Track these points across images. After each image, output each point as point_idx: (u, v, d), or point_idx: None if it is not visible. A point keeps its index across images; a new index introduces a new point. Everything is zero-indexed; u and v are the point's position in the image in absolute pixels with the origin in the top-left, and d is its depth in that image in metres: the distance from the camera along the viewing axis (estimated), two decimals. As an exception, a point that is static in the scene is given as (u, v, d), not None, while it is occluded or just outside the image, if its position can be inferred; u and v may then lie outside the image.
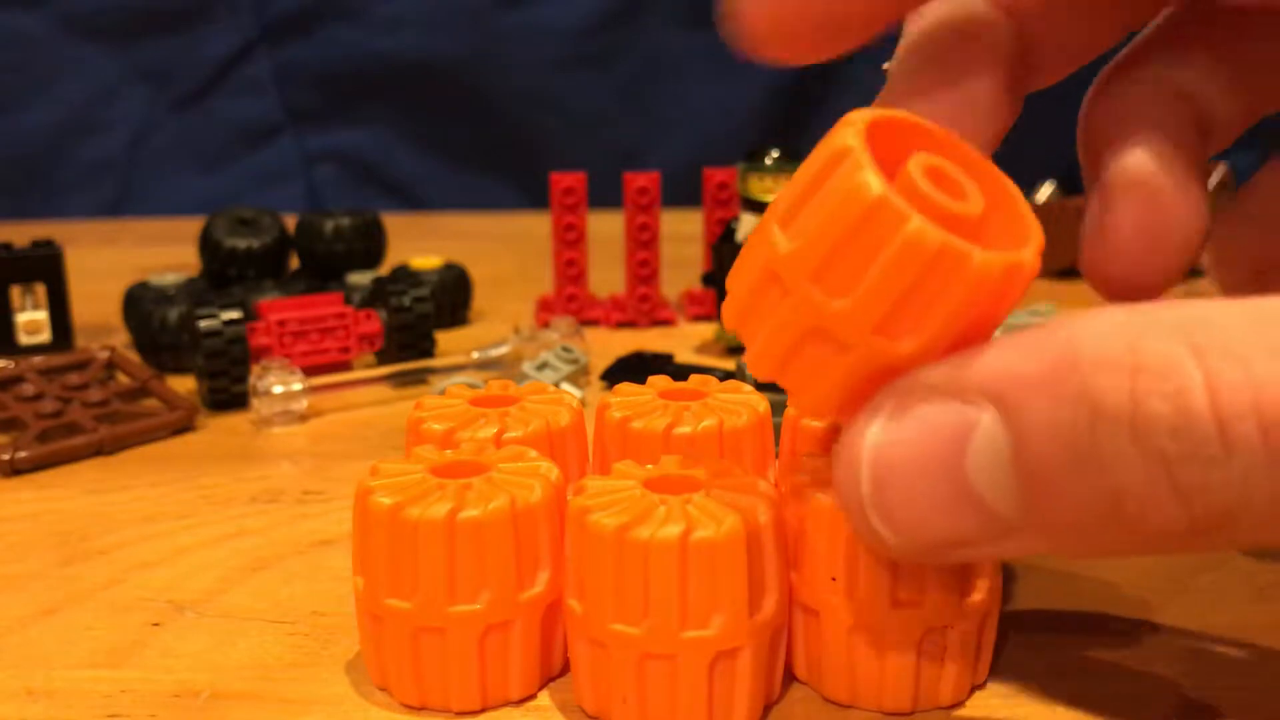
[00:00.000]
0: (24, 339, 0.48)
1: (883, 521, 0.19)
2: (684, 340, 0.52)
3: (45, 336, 0.48)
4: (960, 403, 0.18)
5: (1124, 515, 0.17)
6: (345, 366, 0.45)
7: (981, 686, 0.25)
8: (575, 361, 0.45)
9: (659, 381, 0.30)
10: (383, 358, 0.47)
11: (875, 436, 0.19)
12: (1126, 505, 0.17)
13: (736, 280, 0.21)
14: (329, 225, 0.56)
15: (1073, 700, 0.24)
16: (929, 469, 0.18)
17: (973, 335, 0.19)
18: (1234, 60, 0.23)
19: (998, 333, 0.19)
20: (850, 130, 0.19)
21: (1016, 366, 0.17)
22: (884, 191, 0.19)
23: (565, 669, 0.25)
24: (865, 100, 0.22)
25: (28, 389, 0.42)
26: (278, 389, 0.42)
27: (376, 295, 0.48)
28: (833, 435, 0.27)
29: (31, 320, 0.48)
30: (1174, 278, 0.23)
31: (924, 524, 0.19)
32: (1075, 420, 0.17)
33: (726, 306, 0.21)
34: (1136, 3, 0.23)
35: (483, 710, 0.24)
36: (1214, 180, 0.50)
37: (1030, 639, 0.26)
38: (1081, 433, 0.17)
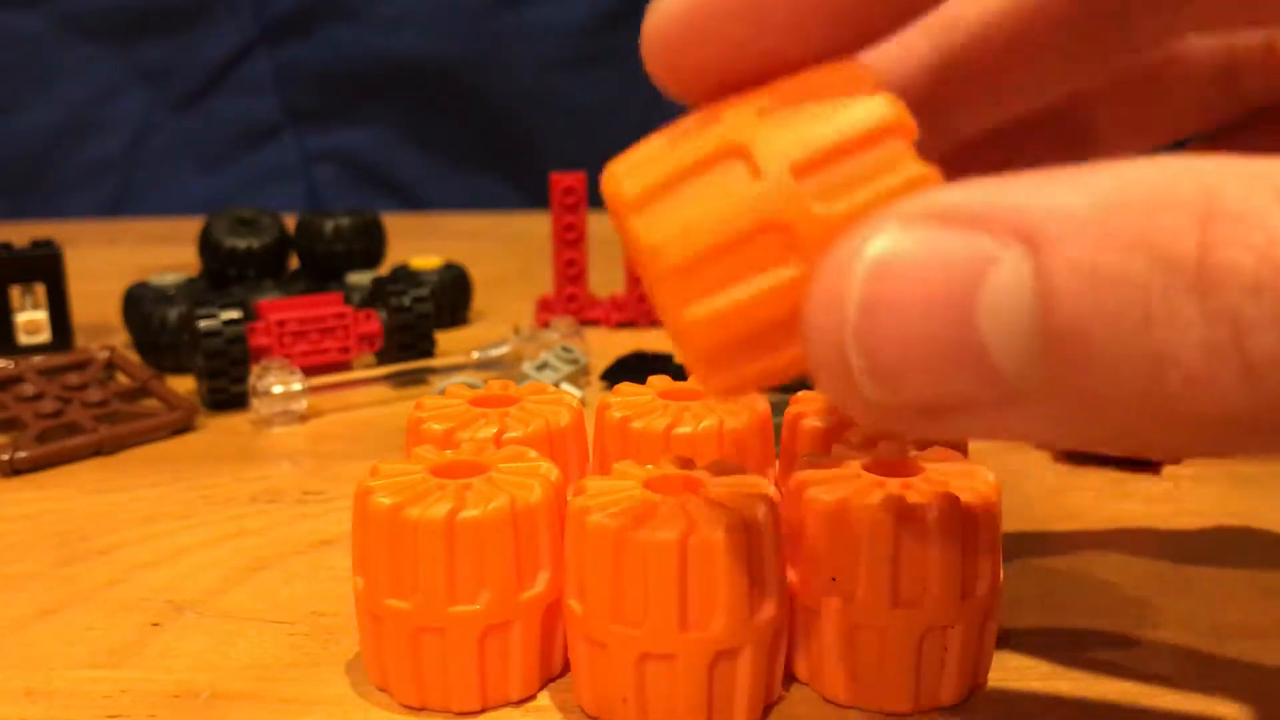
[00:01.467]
0: (24, 339, 0.48)
1: (864, 360, 0.15)
2: (684, 340, 0.52)
3: (45, 336, 0.48)
4: (982, 233, 0.15)
5: (1163, 389, 0.14)
6: (345, 366, 0.45)
7: (982, 687, 0.25)
8: (575, 361, 0.45)
9: (659, 381, 0.30)
10: (383, 358, 0.47)
11: (877, 249, 0.15)
12: (1169, 376, 0.14)
13: (702, 208, 0.17)
14: (329, 225, 0.56)
15: (1073, 700, 0.24)
16: (933, 304, 0.15)
17: None
18: None
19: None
20: (889, 104, 0.17)
21: (1055, 197, 0.14)
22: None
23: (565, 669, 0.25)
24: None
25: (27, 389, 0.42)
26: (277, 389, 0.42)
27: (376, 295, 0.48)
28: (833, 435, 0.27)
29: (31, 320, 0.48)
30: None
31: (915, 375, 0.15)
32: (1123, 267, 0.14)
33: (665, 229, 0.17)
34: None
35: (482, 710, 0.24)
36: None
37: (1030, 639, 0.26)
38: (1130, 282, 0.14)
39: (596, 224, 0.55)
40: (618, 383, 0.33)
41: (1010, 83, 0.22)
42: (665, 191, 0.17)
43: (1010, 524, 0.31)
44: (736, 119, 0.17)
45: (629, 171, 0.18)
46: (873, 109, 0.17)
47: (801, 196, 0.16)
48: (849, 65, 0.18)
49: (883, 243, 0.15)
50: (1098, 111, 0.24)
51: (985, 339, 0.15)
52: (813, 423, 0.28)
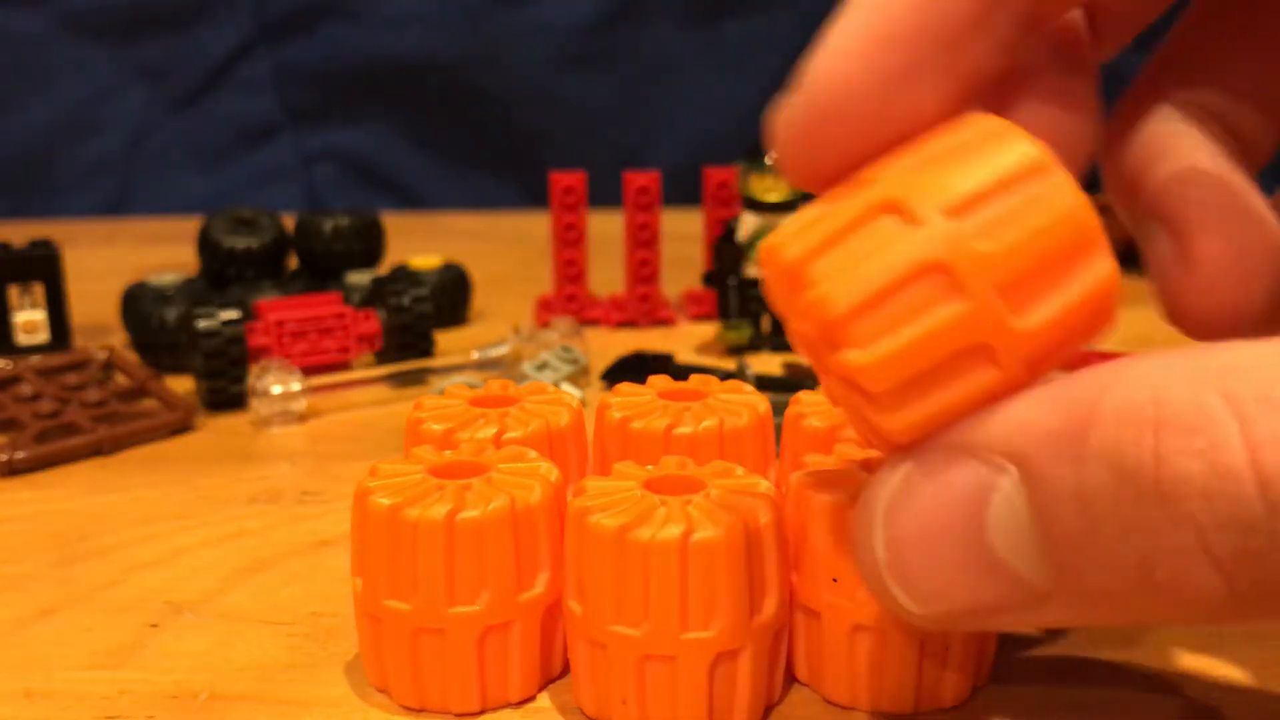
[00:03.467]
0: (22, 339, 0.48)
1: (903, 590, 0.17)
2: (684, 340, 0.52)
3: (43, 336, 0.48)
4: (978, 462, 0.16)
5: (1157, 584, 0.15)
6: (344, 366, 0.45)
7: (983, 687, 0.24)
8: (575, 361, 0.45)
9: (659, 381, 0.30)
10: (382, 358, 0.47)
11: (889, 499, 0.17)
12: (1158, 574, 0.15)
13: (864, 259, 0.17)
14: (328, 225, 0.56)
15: (1074, 701, 0.24)
16: (949, 534, 0.17)
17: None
18: (1255, 73, 0.22)
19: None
20: (1032, 144, 0.17)
21: (1035, 421, 0.16)
22: (1097, 225, 0.17)
23: (565, 670, 0.25)
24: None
25: (26, 389, 0.42)
26: (276, 389, 0.42)
27: (375, 295, 0.48)
28: (833, 436, 0.27)
29: (29, 320, 0.48)
30: (1275, 305, 0.21)
31: (947, 592, 0.17)
32: (1096, 482, 0.15)
33: (831, 280, 0.17)
34: None
35: (482, 712, 0.24)
36: None
37: (1031, 639, 0.26)
38: (1103, 495, 0.15)
39: (596, 224, 0.55)
40: (618, 383, 0.33)
41: None
42: (825, 249, 0.17)
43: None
44: (884, 178, 0.18)
45: (787, 240, 0.18)
46: (1015, 149, 0.17)
47: (960, 236, 0.17)
48: (978, 117, 0.18)
49: (891, 492, 0.17)
50: None
51: (1000, 555, 0.16)
52: (813, 423, 0.28)
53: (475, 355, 0.46)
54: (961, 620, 0.17)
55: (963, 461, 0.17)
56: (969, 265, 0.17)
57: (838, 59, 0.19)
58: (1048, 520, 0.16)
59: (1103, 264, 0.17)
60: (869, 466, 0.24)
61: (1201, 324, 0.21)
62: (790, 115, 0.19)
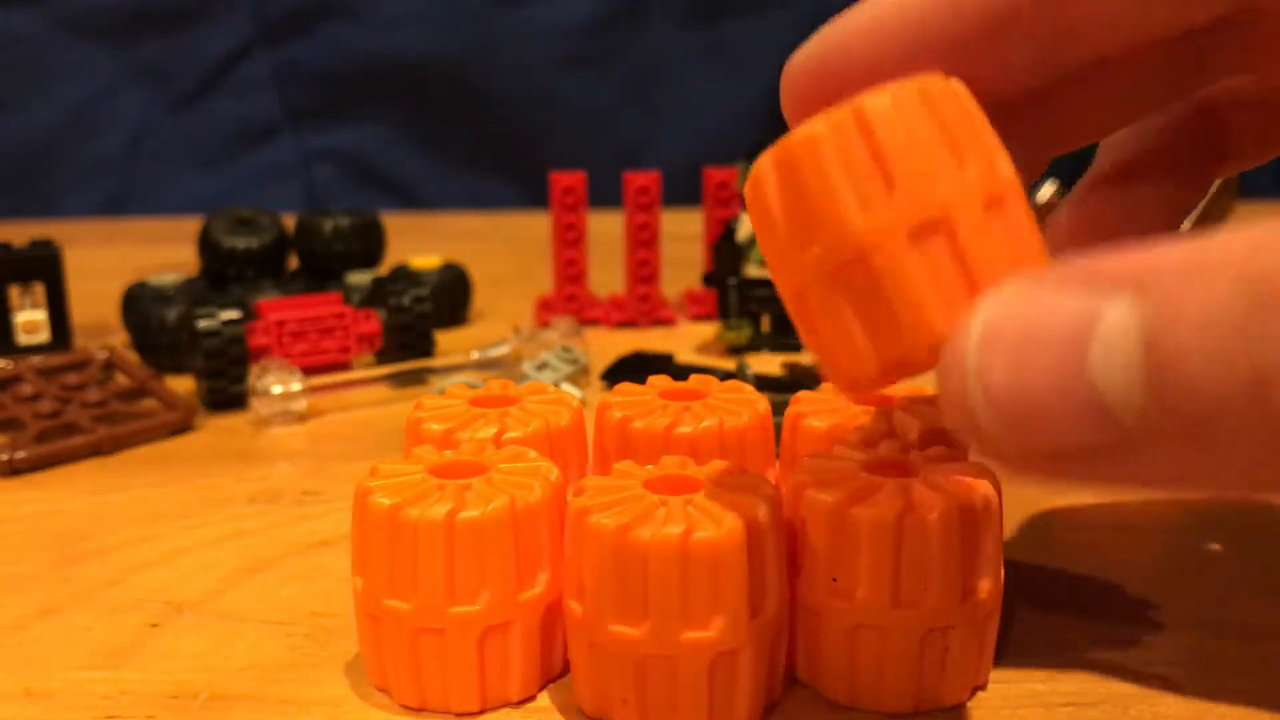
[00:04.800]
0: (22, 339, 0.48)
1: (991, 413, 0.17)
2: (684, 340, 0.52)
3: (44, 336, 0.48)
4: (1090, 289, 0.16)
5: (1267, 408, 0.15)
6: (345, 366, 0.45)
7: (982, 687, 0.24)
8: (575, 361, 0.45)
9: (659, 381, 0.30)
10: (382, 358, 0.47)
11: (996, 304, 0.17)
12: (1273, 394, 0.15)
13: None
14: (328, 225, 0.56)
15: (1073, 701, 0.24)
16: (1048, 359, 0.16)
17: None
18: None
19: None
20: None
21: (1165, 255, 0.16)
22: None
23: (565, 670, 0.25)
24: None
25: (26, 389, 0.42)
26: (277, 389, 0.42)
27: (376, 295, 0.48)
28: (833, 436, 0.27)
29: (30, 320, 0.48)
30: None
31: (1037, 423, 0.16)
32: (1230, 301, 0.15)
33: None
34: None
35: (482, 711, 0.24)
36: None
37: (1031, 639, 0.26)
38: (1235, 314, 0.15)
39: (596, 224, 0.55)
40: (618, 383, 0.33)
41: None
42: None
43: (1011, 524, 0.31)
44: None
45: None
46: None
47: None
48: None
49: (995, 306, 0.17)
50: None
51: (1099, 387, 0.16)
52: (813, 423, 0.28)
53: (475, 355, 0.46)
54: (1046, 463, 0.17)
55: (1073, 287, 0.16)
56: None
57: (853, 22, 0.21)
58: (1162, 344, 0.15)
59: None
60: (869, 466, 0.24)
61: None
62: (798, 61, 0.21)
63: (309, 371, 0.43)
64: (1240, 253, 0.15)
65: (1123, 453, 0.16)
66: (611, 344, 0.50)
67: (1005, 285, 0.17)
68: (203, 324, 0.42)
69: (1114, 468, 0.17)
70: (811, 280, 0.19)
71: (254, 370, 0.42)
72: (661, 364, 0.46)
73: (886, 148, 0.18)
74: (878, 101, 0.19)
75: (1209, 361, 0.15)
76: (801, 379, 0.44)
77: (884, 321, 0.18)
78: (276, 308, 0.45)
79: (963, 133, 0.19)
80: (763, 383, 0.43)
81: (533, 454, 0.25)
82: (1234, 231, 0.15)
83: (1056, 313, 0.16)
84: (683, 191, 0.61)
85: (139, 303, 0.49)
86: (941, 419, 0.18)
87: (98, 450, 0.39)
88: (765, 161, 0.20)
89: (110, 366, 0.45)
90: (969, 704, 0.24)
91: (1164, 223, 0.26)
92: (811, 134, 0.19)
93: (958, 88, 0.19)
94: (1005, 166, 0.19)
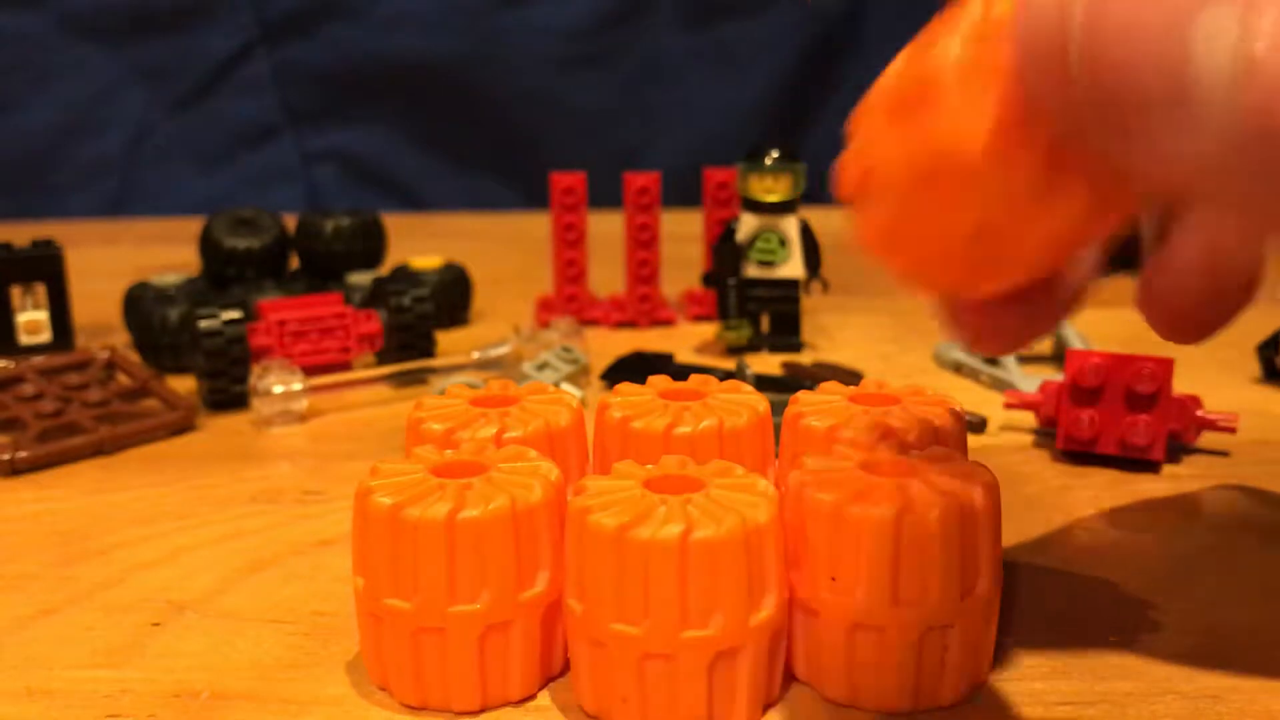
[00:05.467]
0: (24, 339, 0.48)
1: (1085, 36, 0.17)
2: (684, 340, 0.52)
3: (45, 336, 0.48)
4: None
5: None
6: (345, 366, 0.45)
7: (981, 686, 0.25)
8: (575, 361, 0.45)
9: (659, 381, 0.30)
10: (383, 358, 0.47)
11: None
12: None
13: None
14: (329, 225, 0.56)
15: (1073, 700, 0.24)
16: (1150, 37, 0.17)
17: None
18: None
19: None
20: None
21: None
22: None
23: (565, 669, 0.25)
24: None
25: (28, 389, 0.42)
26: (278, 389, 0.42)
27: (376, 295, 0.48)
28: (833, 435, 0.27)
29: (32, 320, 0.48)
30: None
31: (1124, 53, 0.17)
32: None
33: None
34: None
35: (483, 710, 0.24)
36: None
37: (1030, 639, 0.26)
38: None
39: (596, 224, 0.55)
40: (618, 383, 0.33)
41: None
42: None
43: (1010, 524, 0.31)
44: None
45: None
46: None
47: None
48: None
49: None
50: None
51: (1193, 60, 0.17)
52: (812, 423, 0.28)
53: (476, 355, 0.46)
54: (1112, 116, 0.18)
55: None
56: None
57: None
58: (1255, 54, 0.16)
59: None
60: (868, 466, 0.24)
61: (1171, 321, 0.22)
62: None
63: (310, 371, 0.43)
64: None
65: (1182, 123, 0.17)
66: (611, 344, 0.50)
67: None
68: (204, 324, 0.42)
69: (1163, 138, 0.17)
70: None
71: (255, 370, 0.42)
72: (661, 364, 0.46)
73: None
74: None
75: None
76: (801, 379, 0.44)
77: None
78: (277, 308, 0.45)
79: None
80: (762, 383, 0.43)
81: (533, 454, 0.25)
82: None
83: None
84: (683, 192, 0.61)
85: (140, 303, 0.49)
86: (1021, 58, 0.18)
87: (99, 450, 0.39)
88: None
89: (112, 366, 0.45)
90: (967, 703, 0.24)
91: None
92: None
93: None
94: None
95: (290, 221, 0.56)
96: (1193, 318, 0.22)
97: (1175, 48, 0.17)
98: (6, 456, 0.37)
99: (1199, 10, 0.17)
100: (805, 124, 0.88)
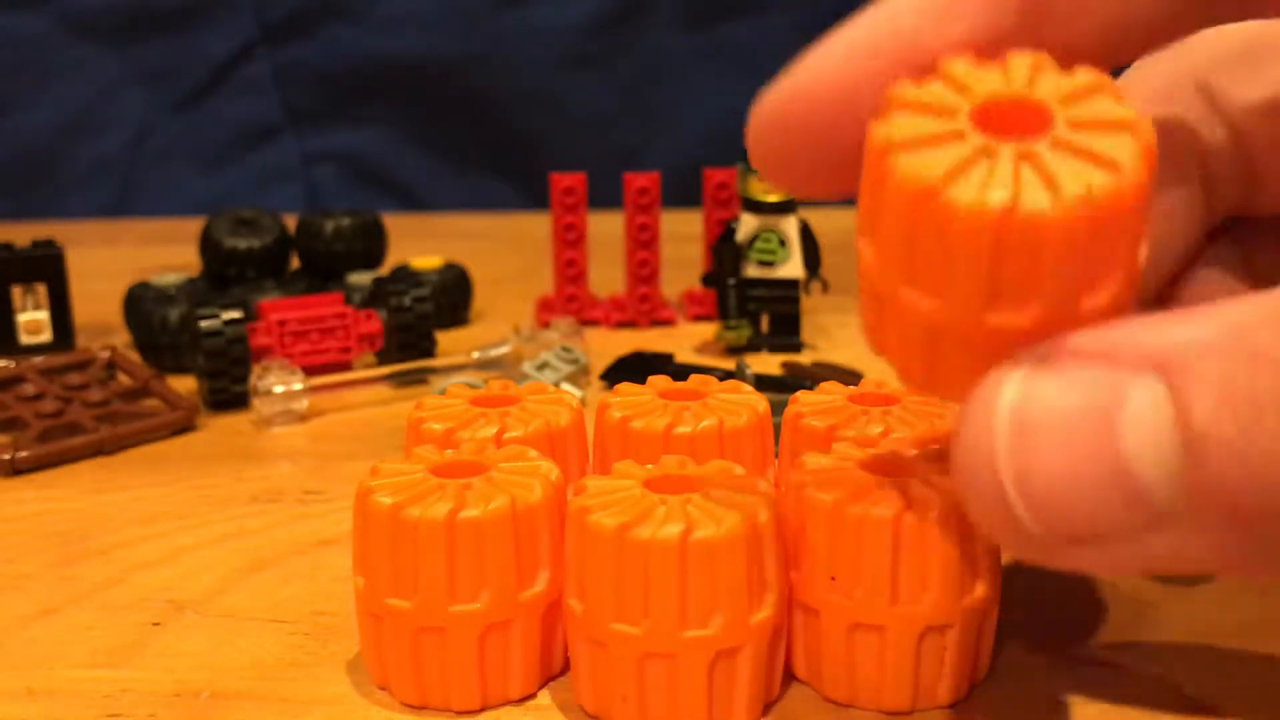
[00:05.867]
0: (25, 339, 0.48)
1: (1019, 493, 0.16)
2: (684, 340, 0.52)
3: (46, 336, 0.48)
4: (1112, 368, 0.16)
5: None
6: (345, 366, 0.45)
7: (981, 686, 0.25)
8: (575, 361, 0.45)
9: (659, 381, 0.30)
10: (383, 358, 0.47)
11: (1015, 390, 0.16)
12: None
13: (862, 306, 0.19)
14: (329, 225, 0.56)
15: (1072, 700, 0.24)
16: (1078, 434, 0.16)
17: (1102, 290, 0.17)
18: None
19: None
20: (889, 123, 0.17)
21: (1181, 332, 0.16)
22: (935, 177, 0.16)
23: (565, 668, 0.25)
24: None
25: (28, 389, 0.42)
26: (278, 389, 0.42)
27: (377, 295, 0.48)
28: (833, 435, 0.27)
29: (32, 320, 0.48)
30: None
31: (1066, 501, 0.16)
32: (1254, 380, 0.15)
33: (867, 333, 0.19)
34: None
35: (483, 709, 0.24)
36: None
37: (1030, 639, 0.26)
38: (1259, 391, 0.15)
39: (596, 224, 0.55)
40: (617, 383, 0.33)
41: None
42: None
43: (1010, 524, 0.31)
44: None
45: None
46: None
47: None
48: None
49: (1018, 384, 0.16)
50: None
51: (1131, 463, 0.16)
52: (812, 423, 0.28)
53: (476, 355, 0.46)
54: (1070, 546, 0.16)
55: (1095, 366, 0.16)
56: (877, 280, 0.18)
57: (822, 59, 0.19)
58: (1191, 424, 0.15)
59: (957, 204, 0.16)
60: (868, 466, 0.24)
61: None
62: (765, 105, 0.20)
63: (310, 371, 0.43)
64: (1267, 327, 0.15)
65: (1152, 532, 0.16)
66: (611, 344, 0.50)
67: (1018, 366, 0.16)
68: (204, 324, 0.42)
69: (1139, 548, 0.16)
70: None
71: (255, 370, 0.42)
72: (661, 364, 0.46)
73: None
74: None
75: (1246, 446, 0.15)
76: (801, 379, 0.44)
77: None
78: (278, 308, 0.45)
79: None
80: (762, 383, 0.43)
81: (533, 454, 0.26)
82: (1259, 301, 0.15)
83: (1082, 395, 0.16)
84: (683, 192, 0.61)
85: (141, 303, 0.49)
86: (966, 507, 0.17)
87: (100, 450, 0.39)
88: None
89: (112, 366, 0.45)
90: (967, 703, 0.24)
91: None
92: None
93: None
94: None
95: (290, 221, 0.56)
96: None
97: (1118, 474, 0.16)
98: (7, 456, 0.37)
99: (1120, 409, 0.16)
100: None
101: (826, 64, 0.19)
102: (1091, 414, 0.16)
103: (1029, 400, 0.16)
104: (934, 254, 0.17)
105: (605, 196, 0.58)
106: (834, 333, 0.53)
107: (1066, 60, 0.19)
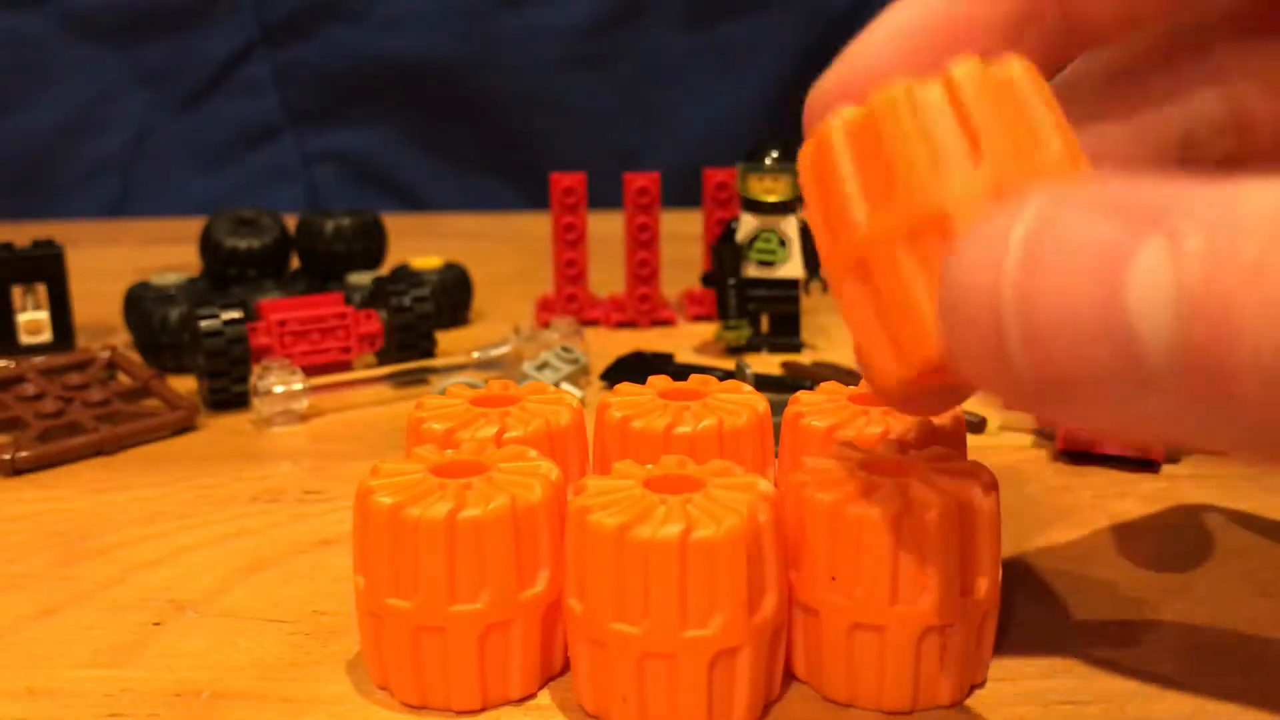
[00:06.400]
0: (25, 339, 0.48)
1: (1020, 315, 0.16)
2: (684, 340, 0.52)
3: (46, 336, 0.48)
4: (1131, 218, 0.16)
5: None
6: (345, 366, 0.45)
7: (981, 686, 0.25)
8: (575, 361, 0.45)
9: (659, 381, 0.30)
10: (383, 358, 0.47)
11: (1033, 216, 0.16)
12: None
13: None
14: (329, 225, 0.56)
15: (1072, 700, 0.24)
16: (1089, 269, 0.16)
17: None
18: None
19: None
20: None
21: (1210, 198, 0.15)
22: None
23: (565, 668, 0.25)
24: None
25: (29, 389, 0.42)
26: (278, 389, 0.42)
27: (377, 295, 0.48)
28: (832, 435, 0.27)
29: (33, 320, 0.48)
30: None
31: (1064, 338, 0.16)
32: (1261, 254, 0.15)
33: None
34: None
35: (483, 709, 0.24)
36: None
37: (1030, 639, 0.26)
38: (1266, 266, 0.15)
39: (596, 224, 0.55)
40: (617, 383, 0.33)
41: None
42: None
43: (1010, 524, 0.31)
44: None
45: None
46: None
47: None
48: None
49: (1035, 212, 0.16)
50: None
51: (1131, 315, 0.15)
52: (812, 423, 0.28)
53: (476, 355, 0.46)
54: (1054, 395, 0.16)
55: (1120, 214, 0.16)
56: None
57: (869, 44, 0.21)
58: (1190, 282, 0.15)
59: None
60: (868, 466, 0.24)
61: None
62: (821, 86, 0.21)
63: (310, 371, 0.43)
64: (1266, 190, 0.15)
65: (1138, 390, 0.16)
66: (611, 344, 0.50)
67: (1039, 194, 0.16)
68: (205, 324, 0.42)
69: (1122, 406, 0.16)
70: (880, 245, 0.19)
71: (256, 370, 0.42)
72: (661, 364, 0.46)
73: (975, 115, 0.18)
74: (966, 67, 0.18)
75: (1245, 317, 0.15)
76: (800, 379, 0.44)
77: None
78: (278, 308, 0.45)
79: (1040, 111, 0.19)
80: (762, 383, 0.43)
81: (533, 453, 0.26)
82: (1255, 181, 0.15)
83: (1096, 238, 0.16)
84: (682, 192, 0.61)
85: (141, 303, 0.49)
86: (952, 343, 0.17)
87: (100, 450, 0.39)
88: (835, 124, 0.19)
89: (112, 366, 0.45)
90: (967, 702, 0.24)
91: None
92: (891, 96, 0.19)
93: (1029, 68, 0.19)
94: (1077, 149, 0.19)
95: (290, 221, 0.56)
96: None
97: (1116, 312, 0.15)
98: (7, 456, 0.37)
99: (1131, 257, 0.16)
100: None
101: (874, 48, 0.21)
102: (1104, 255, 0.16)
103: (1046, 227, 0.16)
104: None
105: (605, 196, 0.58)
106: (834, 333, 0.53)
107: (1090, 35, 0.21)
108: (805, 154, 0.20)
